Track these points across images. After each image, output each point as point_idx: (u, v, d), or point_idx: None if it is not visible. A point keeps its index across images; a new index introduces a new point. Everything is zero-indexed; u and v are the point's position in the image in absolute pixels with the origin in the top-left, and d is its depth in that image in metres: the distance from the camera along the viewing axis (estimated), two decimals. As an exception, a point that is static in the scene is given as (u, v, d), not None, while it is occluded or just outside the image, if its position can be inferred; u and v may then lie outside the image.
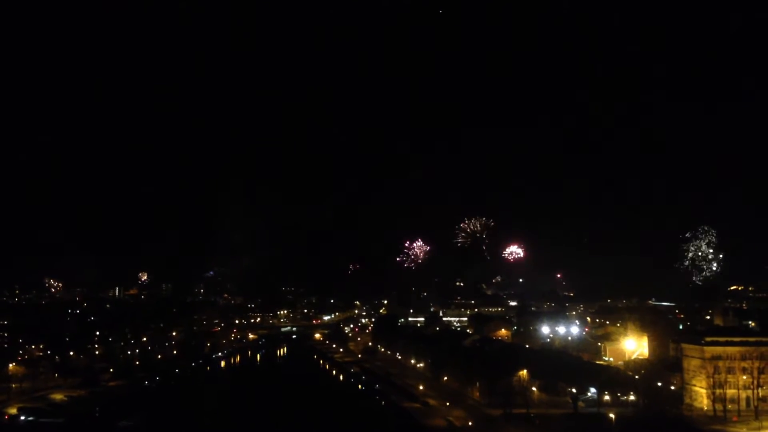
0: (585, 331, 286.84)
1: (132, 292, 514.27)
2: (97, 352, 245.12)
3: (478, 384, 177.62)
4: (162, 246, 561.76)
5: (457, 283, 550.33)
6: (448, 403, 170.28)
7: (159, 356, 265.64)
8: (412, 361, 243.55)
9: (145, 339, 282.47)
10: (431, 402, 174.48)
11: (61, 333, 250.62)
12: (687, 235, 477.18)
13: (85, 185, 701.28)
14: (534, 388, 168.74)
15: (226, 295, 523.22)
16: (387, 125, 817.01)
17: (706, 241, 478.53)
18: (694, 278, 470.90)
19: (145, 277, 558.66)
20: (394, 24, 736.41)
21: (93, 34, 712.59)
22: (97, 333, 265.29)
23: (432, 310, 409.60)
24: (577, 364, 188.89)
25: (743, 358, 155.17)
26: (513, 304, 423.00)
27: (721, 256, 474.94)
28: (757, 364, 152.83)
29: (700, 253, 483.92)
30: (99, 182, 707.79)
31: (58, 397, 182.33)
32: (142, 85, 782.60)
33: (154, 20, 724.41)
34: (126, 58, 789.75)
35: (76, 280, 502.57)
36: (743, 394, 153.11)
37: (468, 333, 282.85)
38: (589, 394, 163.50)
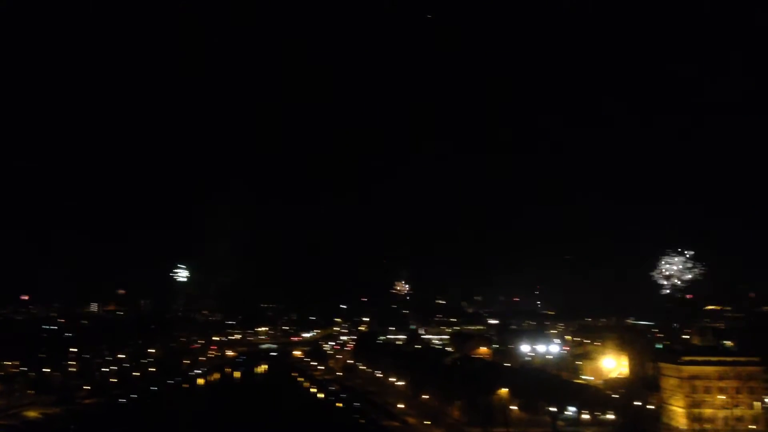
0: (564, 349, 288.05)
1: (110, 308, 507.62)
2: (72, 369, 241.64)
3: (458, 402, 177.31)
4: (142, 261, 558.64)
5: (438, 301, 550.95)
6: (427, 422, 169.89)
7: (136, 373, 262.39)
8: (393, 379, 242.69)
9: (122, 356, 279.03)
10: (411, 420, 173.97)
11: (36, 349, 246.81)
12: (665, 255, 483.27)
13: (62, 199, 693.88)
14: (514, 407, 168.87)
15: (205, 312, 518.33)
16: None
17: (683, 261, 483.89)
18: (664, 291, 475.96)
19: (122, 291, 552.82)
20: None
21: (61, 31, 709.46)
22: (73, 349, 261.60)
23: (412, 328, 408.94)
24: (556, 383, 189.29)
25: (720, 378, 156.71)
26: (493, 322, 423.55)
27: (694, 272, 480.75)
28: (734, 384, 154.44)
29: (675, 273, 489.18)
30: (76, 196, 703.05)
31: (32, 414, 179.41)
32: (117, 97, 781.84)
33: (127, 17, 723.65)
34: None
35: (52, 295, 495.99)
36: (720, 414, 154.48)
37: (448, 351, 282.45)
38: (569, 412, 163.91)
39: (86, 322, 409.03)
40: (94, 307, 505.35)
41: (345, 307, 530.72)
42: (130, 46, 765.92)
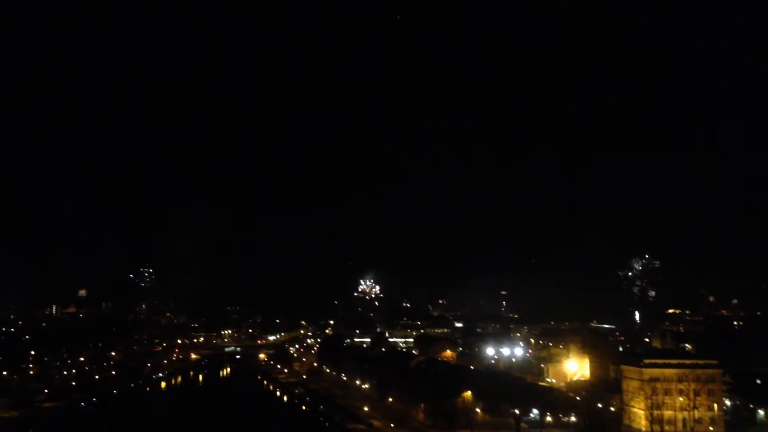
0: (529, 352, 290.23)
1: (70, 310, 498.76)
2: (31, 373, 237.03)
3: (423, 405, 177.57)
4: (103, 263, 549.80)
5: (404, 304, 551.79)
6: (392, 425, 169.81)
7: (97, 377, 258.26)
8: (358, 382, 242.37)
9: (82, 359, 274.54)
10: (376, 423, 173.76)
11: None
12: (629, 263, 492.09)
13: (23, 198, 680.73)
14: (478, 409, 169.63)
15: (168, 314, 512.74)
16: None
17: (644, 266, 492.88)
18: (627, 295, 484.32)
19: (84, 293, 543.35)
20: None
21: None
22: (32, 352, 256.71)
23: (378, 330, 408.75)
24: (520, 386, 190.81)
25: (680, 380, 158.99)
26: (459, 325, 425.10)
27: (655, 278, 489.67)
28: (693, 386, 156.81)
29: (637, 280, 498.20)
30: (38, 198, 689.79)
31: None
32: (85, 92, 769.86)
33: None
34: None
35: (10, 297, 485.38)
36: (680, 416, 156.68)
37: (414, 354, 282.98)
38: (532, 415, 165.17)
39: (45, 324, 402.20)
40: (53, 309, 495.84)
41: (310, 309, 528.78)
42: (88, 44, 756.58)
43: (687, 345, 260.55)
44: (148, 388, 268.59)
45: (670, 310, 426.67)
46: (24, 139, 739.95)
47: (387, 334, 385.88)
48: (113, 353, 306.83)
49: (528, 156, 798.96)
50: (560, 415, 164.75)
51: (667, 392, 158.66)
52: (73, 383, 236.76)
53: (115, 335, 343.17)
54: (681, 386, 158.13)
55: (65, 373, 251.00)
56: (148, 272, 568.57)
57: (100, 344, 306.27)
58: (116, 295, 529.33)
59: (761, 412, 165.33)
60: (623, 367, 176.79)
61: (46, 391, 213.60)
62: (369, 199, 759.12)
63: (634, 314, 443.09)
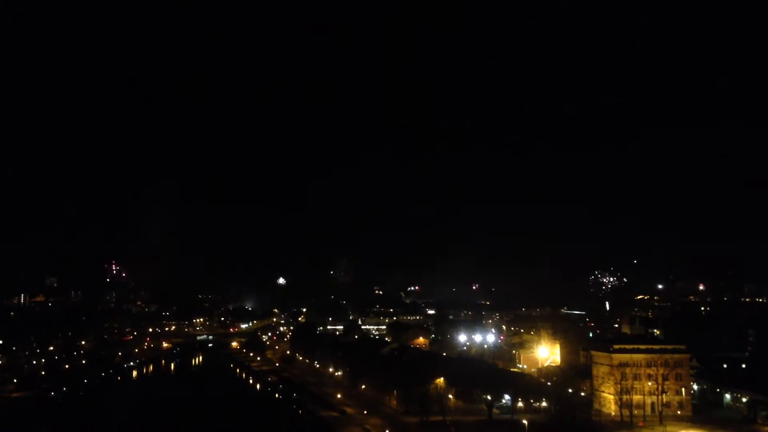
0: (501, 339, 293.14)
1: (39, 299, 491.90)
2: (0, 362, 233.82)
3: (395, 392, 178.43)
4: (72, 251, 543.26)
5: (376, 292, 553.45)
6: (365, 411, 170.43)
7: (67, 366, 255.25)
8: (331, 370, 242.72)
9: (52, 348, 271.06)
10: (348, 410, 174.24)
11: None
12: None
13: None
14: (450, 396, 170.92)
15: (139, 303, 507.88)
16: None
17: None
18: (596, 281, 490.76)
19: (50, 281, 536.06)
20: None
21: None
22: (0, 342, 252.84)
23: (351, 318, 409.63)
24: (492, 372, 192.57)
25: (649, 365, 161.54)
26: (431, 312, 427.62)
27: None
28: (661, 371, 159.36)
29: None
30: (5, 185, 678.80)
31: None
32: (63, 77, 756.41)
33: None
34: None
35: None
36: (648, 400, 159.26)
37: (386, 341, 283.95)
38: (504, 401, 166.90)
39: (14, 313, 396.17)
40: (22, 298, 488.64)
41: (283, 297, 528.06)
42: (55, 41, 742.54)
43: (656, 330, 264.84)
44: (119, 377, 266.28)
45: (639, 296, 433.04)
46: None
47: (360, 322, 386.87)
48: (83, 342, 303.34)
49: (507, 144, 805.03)
50: (531, 401, 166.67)
51: (636, 377, 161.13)
52: (43, 373, 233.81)
53: (84, 324, 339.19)
54: (650, 371, 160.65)
55: (34, 362, 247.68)
56: (118, 260, 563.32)
57: (69, 333, 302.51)
58: (86, 283, 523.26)
59: (728, 396, 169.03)
60: (593, 352, 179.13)
61: (15, 380, 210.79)
62: (341, 185, 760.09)
63: (604, 301, 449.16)
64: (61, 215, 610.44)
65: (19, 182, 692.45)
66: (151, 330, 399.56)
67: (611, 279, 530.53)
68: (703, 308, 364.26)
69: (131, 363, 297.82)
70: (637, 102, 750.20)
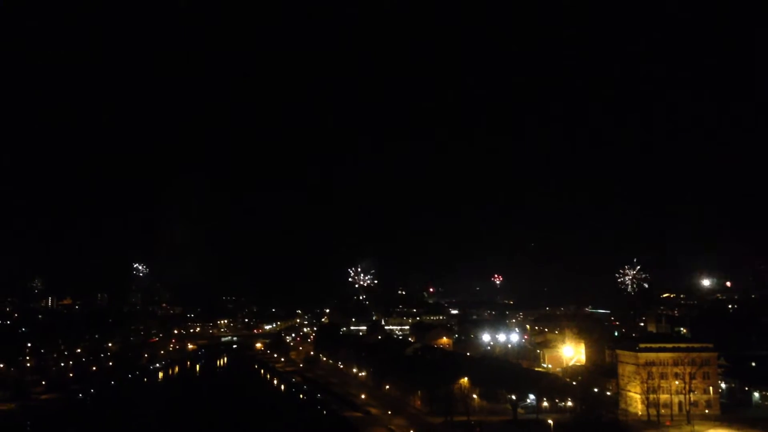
0: (524, 338, 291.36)
1: (66, 302, 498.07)
2: (28, 365, 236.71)
3: (419, 392, 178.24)
4: (99, 255, 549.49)
5: (399, 292, 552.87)
6: (389, 412, 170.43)
7: (94, 368, 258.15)
8: (354, 370, 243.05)
9: (79, 351, 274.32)
10: (373, 411, 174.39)
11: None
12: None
13: (20, 192, 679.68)
14: (475, 396, 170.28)
15: (164, 305, 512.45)
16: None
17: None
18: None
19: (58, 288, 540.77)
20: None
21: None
22: (29, 344, 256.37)
23: (374, 318, 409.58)
24: (516, 372, 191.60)
25: (675, 364, 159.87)
26: (454, 312, 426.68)
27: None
28: (688, 370, 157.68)
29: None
30: (34, 190, 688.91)
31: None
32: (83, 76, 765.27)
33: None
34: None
35: (6, 290, 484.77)
36: (675, 399, 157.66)
37: (410, 341, 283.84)
38: (529, 400, 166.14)
39: (42, 316, 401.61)
40: (50, 301, 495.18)
41: (306, 298, 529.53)
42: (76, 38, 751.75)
43: (682, 329, 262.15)
44: (145, 379, 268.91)
45: (665, 295, 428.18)
46: (17, 134, 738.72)
47: (383, 322, 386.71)
48: (110, 344, 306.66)
49: (529, 140, 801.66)
50: (556, 400, 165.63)
51: (662, 376, 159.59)
52: (71, 375, 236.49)
53: (111, 326, 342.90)
54: (676, 370, 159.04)
55: (62, 364, 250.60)
56: (144, 263, 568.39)
57: (96, 336, 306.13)
58: (112, 286, 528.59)
59: (756, 394, 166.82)
60: (619, 351, 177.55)
61: (43, 383, 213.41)
62: (364, 186, 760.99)
63: (630, 299, 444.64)
64: (85, 218, 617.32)
65: (45, 186, 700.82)
66: (176, 332, 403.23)
67: (637, 277, 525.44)
68: (730, 306, 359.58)
69: (157, 365, 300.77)
70: (663, 94, 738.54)
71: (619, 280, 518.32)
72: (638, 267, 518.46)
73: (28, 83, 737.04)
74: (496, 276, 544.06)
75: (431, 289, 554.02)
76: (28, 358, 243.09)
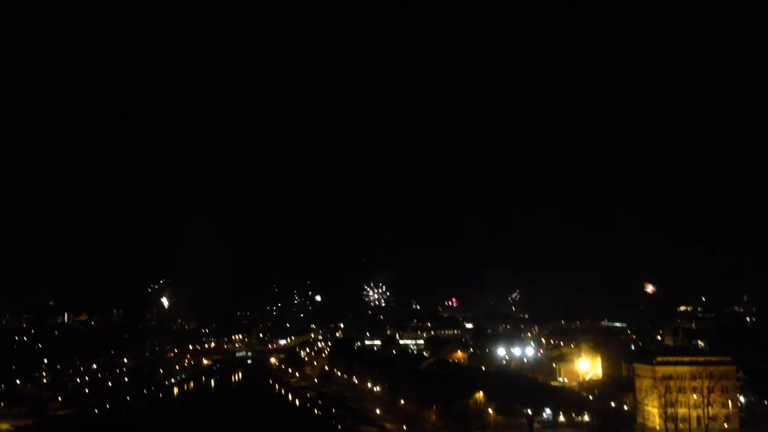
0: (540, 352, 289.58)
1: (81, 318, 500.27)
2: (44, 381, 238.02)
3: (434, 407, 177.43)
4: (113, 270, 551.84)
5: (414, 306, 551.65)
6: (404, 427, 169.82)
7: (109, 384, 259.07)
8: (369, 385, 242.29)
9: (95, 366, 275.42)
10: (388, 425, 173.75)
11: (7, 361, 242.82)
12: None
13: (32, 205, 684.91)
14: (490, 410, 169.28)
15: (179, 320, 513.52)
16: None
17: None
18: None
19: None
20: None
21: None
22: (45, 360, 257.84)
23: (388, 333, 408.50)
24: (532, 386, 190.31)
25: (693, 378, 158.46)
26: (469, 326, 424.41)
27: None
28: (706, 383, 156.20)
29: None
30: (47, 203, 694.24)
31: (4, 426, 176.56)
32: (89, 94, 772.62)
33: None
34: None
35: (22, 306, 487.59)
36: (694, 413, 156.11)
37: (424, 356, 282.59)
38: (545, 415, 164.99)
39: (58, 332, 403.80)
40: (65, 317, 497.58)
41: (320, 313, 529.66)
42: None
43: (699, 342, 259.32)
44: (160, 394, 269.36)
45: (682, 308, 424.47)
46: (25, 144, 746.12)
47: (397, 337, 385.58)
48: (125, 360, 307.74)
49: (541, 151, 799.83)
50: (573, 415, 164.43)
51: (680, 390, 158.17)
52: (86, 390, 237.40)
53: (126, 342, 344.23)
54: (694, 383, 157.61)
55: (78, 380, 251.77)
56: (159, 278, 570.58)
57: (112, 351, 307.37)
58: (128, 302, 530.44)
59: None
60: (636, 365, 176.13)
61: (59, 398, 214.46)
62: (376, 199, 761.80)
63: (646, 313, 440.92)
64: (102, 233, 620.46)
65: (57, 201, 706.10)
66: (191, 347, 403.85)
67: (653, 290, 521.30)
68: (748, 319, 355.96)
69: (172, 380, 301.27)
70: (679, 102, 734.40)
71: (635, 293, 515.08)
72: (654, 280, 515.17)
73: (47, 88, 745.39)
74: (510, 296, 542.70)
75: (454, 302, 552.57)
76: (44, 374, 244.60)
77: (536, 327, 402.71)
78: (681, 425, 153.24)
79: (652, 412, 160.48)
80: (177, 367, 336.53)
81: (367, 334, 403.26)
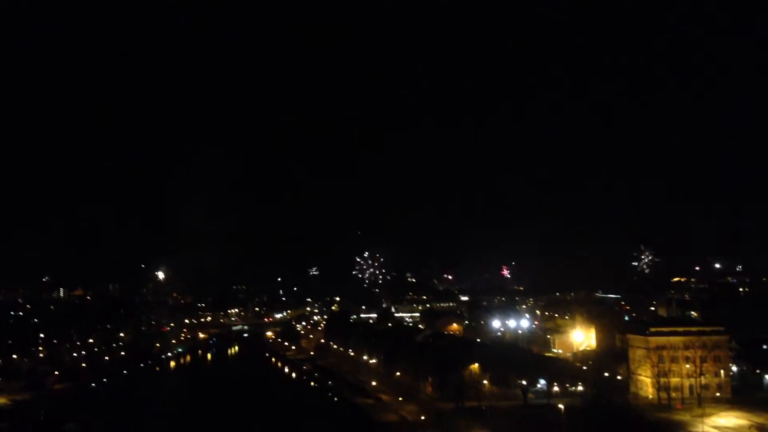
0: (535, 324, 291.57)
1: (78, 292, 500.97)
2: (41, 355, 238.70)
3: (430, 378, 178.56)
4: (109, 245, 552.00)
5: (409, 279, 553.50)
6: (400, 398, 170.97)
7: (106, 358, 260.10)
8: (365, 358, 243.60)
9: (91, 341, 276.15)
10: (384, 397, 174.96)
11: (3, 336, 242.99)
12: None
13: (27, 182, 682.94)
14: (485, 381, 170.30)
15: (175, 295, 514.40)
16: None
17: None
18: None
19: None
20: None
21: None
22: (41, 335, 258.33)
23: (384, 306, 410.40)
24: (527, 357, 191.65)
25: (686, 348, 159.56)
26: (464, 299, 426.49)
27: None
28: (699, 353, 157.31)
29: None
30: (44, 181, 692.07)
31: (2, 401, 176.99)
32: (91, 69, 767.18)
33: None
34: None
35: (17, 280, 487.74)
36: (686, 383, 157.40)
37: (420, 328, 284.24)
38: (539, 385, 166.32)
39: (54, 307, 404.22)
40: (61, 292, 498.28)
41: (316, 286, 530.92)
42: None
43: (693, 312, 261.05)
44: (157, 368, 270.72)
45: (675, 279, 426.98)
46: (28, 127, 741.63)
47: (393, 310, 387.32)
48: (122, 334, 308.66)
49: (537, 124, 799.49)
50: (567, 385, 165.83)
51: (673, 360, 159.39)
52: (83, 365, 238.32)
53: (123, 316, 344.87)
54: (687, 353, 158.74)
55: (75, 355, 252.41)
56: (155, 252, 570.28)
57: (108, 326, 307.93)
58: (124, 277, 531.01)
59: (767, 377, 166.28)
60: (629, 336, 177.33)
61: (56, 373, 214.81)
62: (372, 173, 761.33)
63: (640, 284, 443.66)
64: (95, 209, 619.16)
65: (52, 177, 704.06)
66: (187, 321, 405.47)
67: (647, 261, 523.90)
68: (741, 289, 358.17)
69: (169, 354, 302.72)
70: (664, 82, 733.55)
71: (633, 264, 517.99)
72: (647, 251, 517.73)
73: (45, 80, 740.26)
74: (504, 269, 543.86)
75: (450, 276, 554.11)
76: (41, 348, 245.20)
77: (531, 299, 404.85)
78: (674, 394, 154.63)
79: (645, 381, 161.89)
80: (174, 341, 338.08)
81: (363, 307, 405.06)
